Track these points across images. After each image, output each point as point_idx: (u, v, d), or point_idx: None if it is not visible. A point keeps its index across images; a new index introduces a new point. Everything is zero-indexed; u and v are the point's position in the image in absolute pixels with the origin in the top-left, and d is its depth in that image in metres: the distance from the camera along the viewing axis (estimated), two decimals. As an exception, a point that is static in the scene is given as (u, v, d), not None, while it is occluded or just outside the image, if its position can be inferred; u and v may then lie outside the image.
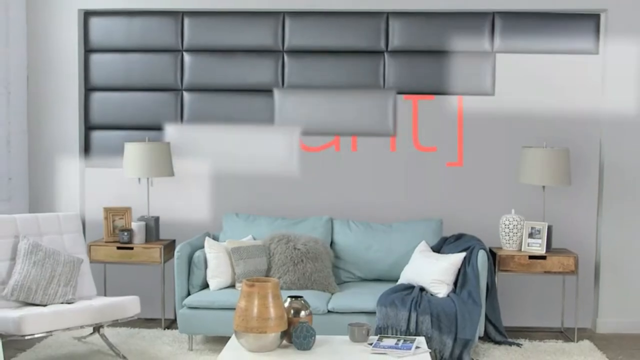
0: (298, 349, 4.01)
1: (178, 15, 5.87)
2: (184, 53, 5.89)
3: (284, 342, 4.07)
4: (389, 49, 5.79)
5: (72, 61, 5.87)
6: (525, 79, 5.72)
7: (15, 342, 4.99)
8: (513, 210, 5.56)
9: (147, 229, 5.67)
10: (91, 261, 5.52)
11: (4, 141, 5.61)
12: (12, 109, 5.67)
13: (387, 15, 5.78)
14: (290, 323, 4.06)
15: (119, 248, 5.56)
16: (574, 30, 5.69)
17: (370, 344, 4.09)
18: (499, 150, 5.77)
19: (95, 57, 5.94)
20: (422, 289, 5.11)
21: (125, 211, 5.74)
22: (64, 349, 5.07)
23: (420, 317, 4.79)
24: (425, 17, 5.75)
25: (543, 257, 5.36)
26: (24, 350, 5.00)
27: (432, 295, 5.02)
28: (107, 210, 5.70)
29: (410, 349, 3.99)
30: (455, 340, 4.78)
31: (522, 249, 5.45)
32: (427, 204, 5.80)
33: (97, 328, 4.91)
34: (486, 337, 5.30)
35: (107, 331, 5.27)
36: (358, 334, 4.17)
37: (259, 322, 3.91)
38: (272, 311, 3.94)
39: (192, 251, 5.26)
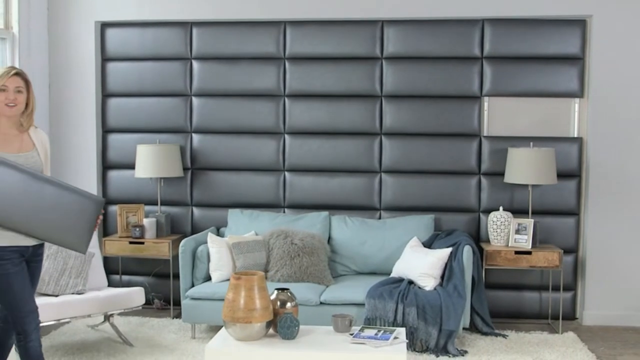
0: (283, 338, 4.02)
1: (187, 26, 5.92)
2: (193, 61, 5.94)
3: (271, 331, 4.09)
4: (384, 55, 5.77)
5: (90, 69, 5.97)
6: (513, 82, 5.65)
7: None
8: (501, 208, 5.51)
9: (158, 225, 5.74)
10: (105, 255, 5.64)
11: (27, 144, 5.72)
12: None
13: (382, 23, 5.76)
14: (276, 314, 4.08)
15: (131, 243, 5.64)
16: (560, 36, 5.60)
17: (352, 334, 4.08)
18: (485, 149, 5.72)
19: (111, 66, 6.03)
20: (411, 282, 5.09)
21: (137, 208, 5.82)
22: (77, 336, 5.16)
23: (407, 309, 4.78)
24: (418, 25, 5.71)
25: (528, 253, 5.30)
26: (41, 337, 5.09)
27: (420, 288, 5.00)
28: (121, 207, 5.79)
29: (388, 339, 3.97)
30: (440, 331, 4.75)
31: (509, 245, 5.40)
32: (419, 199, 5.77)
33: (107, 317, 4.99)
34: (474, 328, 5.26)
35: (118, 320, 5.37)
36: (341, 325, 4.16)
37: (245, 313, 3.92)
38: (257, 302, 3.95)
39: (196, 246, 5.31)
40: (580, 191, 5.68)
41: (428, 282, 4.99)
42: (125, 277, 6.05)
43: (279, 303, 4.13)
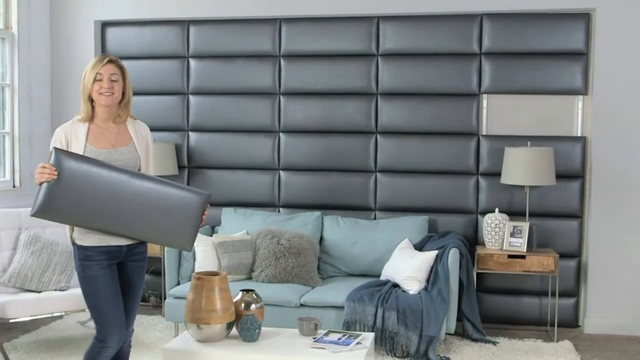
0: (243, 340, 3.90)
1: (184, 24, 5.87)
2: (190, 59, 5.89)
3: (234, 333, 3.99)
4: (380, 52, 5.58)
5: (91, 68, 5.97)
6: (513, 79, 5.38)
7: (24, 325, 5.14)
8: (497, 209, 5.25)
9: (152, 223, 5.69)
10: (99, 252, 5.64)
11: (27, 141, 5.78)
12: (34, 111, 5.83)
13: (378, 19, 5.57)
14: (239, 315, 3.97)
15: (124, 240, 5.61)
16: (563, 30, 5.30)
17: (315, 338, 3.93)
18: (483, 148, 5.47)
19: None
20: (396, 285, 4.90)
21: (133, 206, 5.79)
22: (64, 332, 5.17)
23: (387, 313, 4.60)
24: (415, 21, 5.50)
25: (523, 257, 5.03)
26: (28, 332, 5.13)
27: (404, 291, 4.80)
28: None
29: (349, 344, 3.80)
30: (420, 336, 4.55)
31: (504, 248, 5.14)
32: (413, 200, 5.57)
33: (94, 313, 4.99)
34: (465, 334, 5.04)
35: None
36: (306, 328, 4.01)
37: (205, 314, 3.81)
38: (218, 303, 3.83)
39: (183, 244, 5.24)
40: (584, 193, 5.37)
41: (412, 285, 4.79)
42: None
43: (243, 304, 4.02)
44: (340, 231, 5.43)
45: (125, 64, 5.90)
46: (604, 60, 5.23)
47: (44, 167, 3.07)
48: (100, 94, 3.26)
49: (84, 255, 3.21)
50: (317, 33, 5.65)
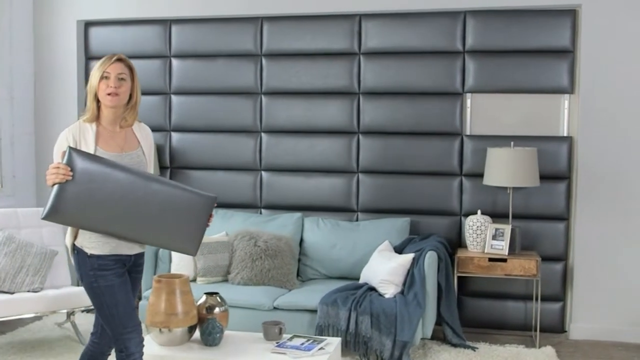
0: (204, 344, 3.84)
1: (167, 23, 5.81)
2: (172, 59, 5.82)
3: (197, 336, 3.91)
4: (362, 50, 5.47)
5: (74, 69, 5.93)
6: (497, 77, 5.24)
7: (1, 325, 5.10)
8: (479, 211, 5.12)
9: (133, 224, 5.64)
10: (79, 253, 5.60)
11: (9, 142, 5.75)
12: (16, 112, 5.79)
13: (360, 17, 5.46)
14: (202, 319, 3.89)
15: (104, 241, 5.55)
16: (548, 27, 5.15)
17: (277, 343, 3.84)
18: (467, 149, 5.34)
19: (94, 65, 5.95)
20: (373, 289, 4.78)
21: (114, 207, 5.73)
22: (40, 333, 5.12)
23: (360, 317, 4.48)
24: (397, 18, 5.38)
25: (504, 260, 4.90)
26: (4, 334, 5.09)
27: (380, 295, 4.69)
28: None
29: (310, 350, 3.71)
30: (394, 341, 4.43)
31: (486, 251, 5.00)
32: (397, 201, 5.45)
33: (69, 314, 4.95)
34: (444, 339, 4.91)
35: (90, 317, 5.30)
36: (270, 333, 3.93)
37: (165, 317, 3.76)
38: (179, 307, 3.78)
39: (160, 246, 5.17)
40: (570, 194, 5.22)
41: (388, 289, 4.67)
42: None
43: (206, 308, 3.94)
44: (320, 233, 5.33)
45: (108, 63, 5.96)
46: (591, 58, 5.08)
47: (58, 167, 2.90)
48: (107, 94, 3.09)
49: (97, 264, 3.03)
50: (299, 31, 5.55)
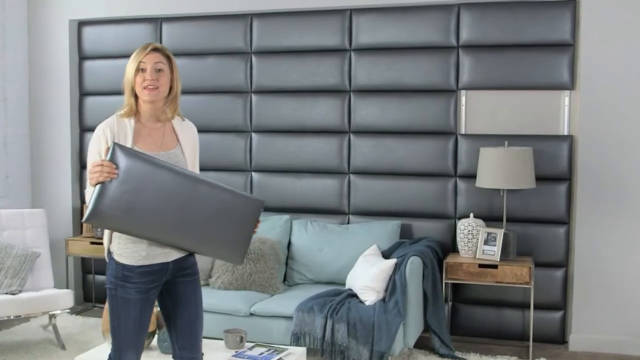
0: (162, 352, 3.71)
1: (157, 22, 5.71)
2: (163, 57, 5.71)
3: (154, 344, 3.78)
4: (353, 47, 5.26)
5: (67, 69, 5.89)
6: (493, 73, 4.97)
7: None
8: (472, 214, 4.85)
9: (122, 225, 5.55)
10: (68, 254, 5.56)
11: (2, 143, 5.73)
12: (10, 113, 5.77)
13: (350, 12, 5.25)
14: (161, 326, 3.76)
15: (92, 243, 5.49)
16: (547, 20, 4.85)
17: (236, 352, 3.68)
18: (462, 149, 5.07)
19: (88, 64, 5.92)
20: (354, 295, 4.57)
21: (104, 208, 5.66)
22: (21, 336, 5.08)
23: (336, 325, 4.28)
24: (389, 13, 5.15)
25: (495, 266, 4.62)
26: (-14, 335, 5.08)
27: (360, 302, 4.47)
28: (86, 207, 5.65)
29: (268, 360, 3.54)
30: (372, 351, 4.21)
31: (477, 256, 4.73)
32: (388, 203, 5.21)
33: (51, 317, 4.89)
34: (432, 350, 4.66)
35: (76, 320, 5.30)
36: (231, 341, 3.78)
37: (120, 324, 3.63)
38: (135, 313, 3.64)
39: (143, 248, 5.06)
40: (571, 197, 4.90)
41: (369, 296, 4.45)
42: (102, 277, 5.91)
43: (166, 314, 3.80)
44: (307, 236, 5.14)
45: (100, 63, 5.92)
46: (593, 52, 4.76)
47: (102, 165, 2.65)
48: (144, 87, 2.85)
49: (120, 274, 2.82)
50: (289, 28, 5.37)
